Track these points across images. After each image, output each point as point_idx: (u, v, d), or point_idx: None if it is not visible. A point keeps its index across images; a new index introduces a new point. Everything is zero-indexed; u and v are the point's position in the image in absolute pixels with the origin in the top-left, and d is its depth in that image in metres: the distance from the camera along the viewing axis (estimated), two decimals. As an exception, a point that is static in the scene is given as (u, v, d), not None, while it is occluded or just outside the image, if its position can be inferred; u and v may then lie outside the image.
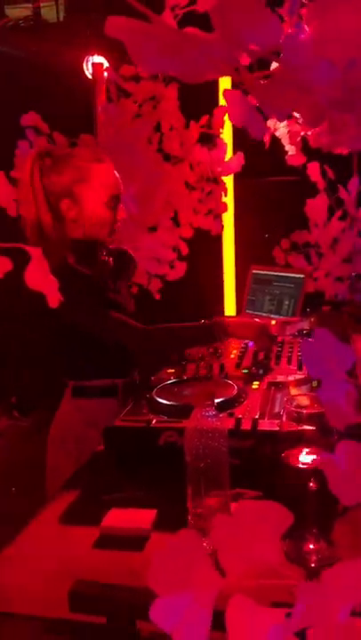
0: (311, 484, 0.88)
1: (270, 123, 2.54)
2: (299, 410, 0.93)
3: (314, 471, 0.88)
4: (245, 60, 0.63)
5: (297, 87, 0.61)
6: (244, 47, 0.49)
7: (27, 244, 0.66)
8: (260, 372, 1.51)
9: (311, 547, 0.89)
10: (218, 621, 0.58)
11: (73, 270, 1.59)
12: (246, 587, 0.59)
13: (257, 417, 1.20)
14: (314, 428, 0.91)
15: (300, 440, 0.92)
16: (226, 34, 0.48)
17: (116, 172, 1.64)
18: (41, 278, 0.71)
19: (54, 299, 0.72)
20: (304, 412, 0.93)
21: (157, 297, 2.83)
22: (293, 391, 1.37)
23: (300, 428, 0.92)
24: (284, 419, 0.93)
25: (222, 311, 3.17)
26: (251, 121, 0.87)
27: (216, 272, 3.18)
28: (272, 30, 0.46)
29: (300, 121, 2.52)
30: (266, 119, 0.88)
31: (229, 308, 3.18)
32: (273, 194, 3.29)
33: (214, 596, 0.59)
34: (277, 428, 1.15)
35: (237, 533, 0.60)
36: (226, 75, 0.53)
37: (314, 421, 0.91)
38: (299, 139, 2.45)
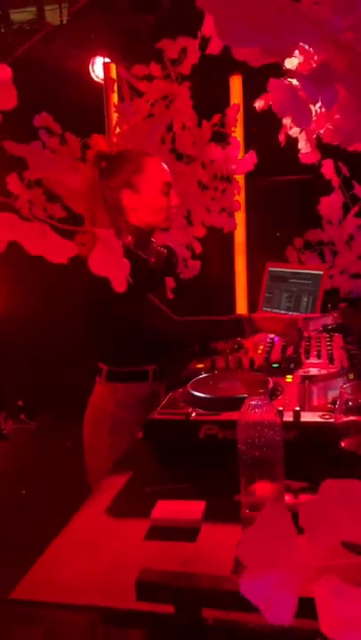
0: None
1: (285, 121, 2.53)
2: (350, 400, 0.92)
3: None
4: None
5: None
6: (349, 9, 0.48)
7: None
8: (291, 366, 1.51)
9: (370, 535, 0.88)
10: (304, 608, 0.57)
11: (132, 252, 1.64)
12: (335, 566, 0.58)
13: (298, 409, 1.19)
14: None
15: (353, 430, 0.91)
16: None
17: (163, 164, 1.76)
18: (107, 262, 0.70)
19: (122, 283, 0.71)
20: (353, 402, 0.92)
21: (171, 296, 2.82)
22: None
23: (352, 418, 0.91)
24: (338, 410, 0.92)
25: (234, 309, 3.17)
26: (296, 109, 0.87)
27: (229, 270, 3.18)
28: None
29: (315, 119, 2.52)
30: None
31: (241, 306, 3.17)
32: (285, 192, 3.29)
33: (303, 575, 0.58)
34: (321, 420, 1.15)
35: (325, 513, 0.59)
36: (315, 43, 0.53)
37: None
38: (314, 136, 2.45)
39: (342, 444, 0.87)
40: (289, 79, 0.98)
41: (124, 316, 1.63)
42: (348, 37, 0.61)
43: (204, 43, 1.32)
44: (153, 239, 1.81)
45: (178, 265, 1.83)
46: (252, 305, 2.82)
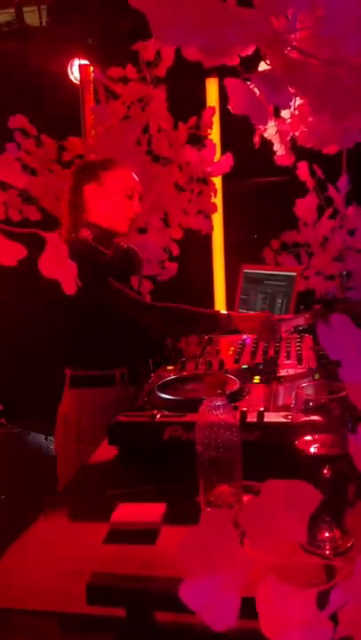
0: (325, 472, 0.88)
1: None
2: (310, 400, 0.92)
3: (328, 459, 0.87)
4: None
5: (320, 59, 0.61)
6: (284, 11, 0.48)
7: None
8: (260, 366, 1.51)
9: (326, 535, 0.89)
10: (246, 608, 0.57)
11: (89, 245, 1.65)
12: (276, 566, 0.58)
13: (262, 410, 1.19)
14: (324, 417, 0.90)
15: (310, 430, 0.91)
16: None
17: (134, 175, 1.79)
18: (57, 265, 0.70)
19: (70, 285, 0.70)
20: (314, 402, 0.92)
21: (148, 298, 2.82)
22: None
23: (311, 418, 0.91)
24: (294, 410, 0.92)
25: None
26: (253, 108, 0.87)
27: (206, 272, 3.18)
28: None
29: (289, 121, 2.53)
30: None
31: (220, 308, 3.17)
32: (262, 194, 3.30)
33: (244, 577, 0.58)
34: (284, 420, 1.15)
35: (266, 513, 0.59)
36: (255, 43, 0.53)
37: (324, 411, 0.91)
38: (288, 138, 2.46)
39: (297, 444, 0.87)
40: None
41: (90, 302, 1.58)
42: (288, 39, 0.61)
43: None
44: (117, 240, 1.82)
45: (141, 266, 1.82)
46: (231, 307, 2.82)
